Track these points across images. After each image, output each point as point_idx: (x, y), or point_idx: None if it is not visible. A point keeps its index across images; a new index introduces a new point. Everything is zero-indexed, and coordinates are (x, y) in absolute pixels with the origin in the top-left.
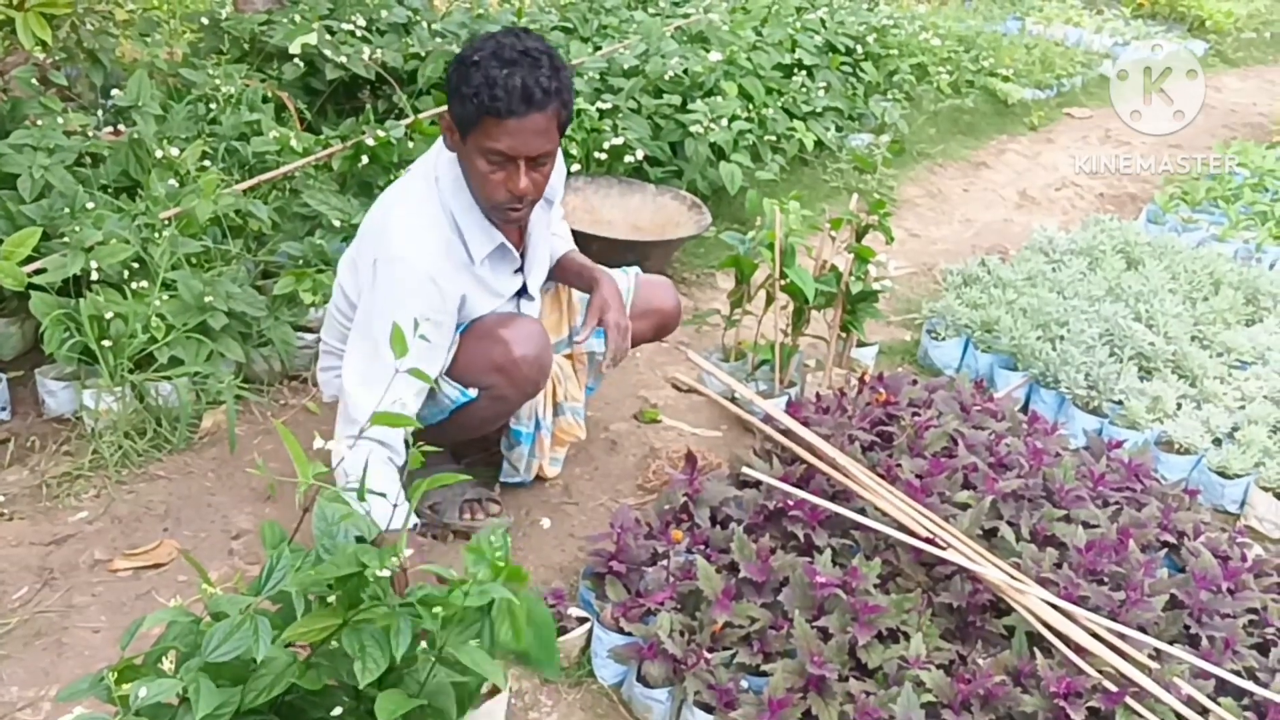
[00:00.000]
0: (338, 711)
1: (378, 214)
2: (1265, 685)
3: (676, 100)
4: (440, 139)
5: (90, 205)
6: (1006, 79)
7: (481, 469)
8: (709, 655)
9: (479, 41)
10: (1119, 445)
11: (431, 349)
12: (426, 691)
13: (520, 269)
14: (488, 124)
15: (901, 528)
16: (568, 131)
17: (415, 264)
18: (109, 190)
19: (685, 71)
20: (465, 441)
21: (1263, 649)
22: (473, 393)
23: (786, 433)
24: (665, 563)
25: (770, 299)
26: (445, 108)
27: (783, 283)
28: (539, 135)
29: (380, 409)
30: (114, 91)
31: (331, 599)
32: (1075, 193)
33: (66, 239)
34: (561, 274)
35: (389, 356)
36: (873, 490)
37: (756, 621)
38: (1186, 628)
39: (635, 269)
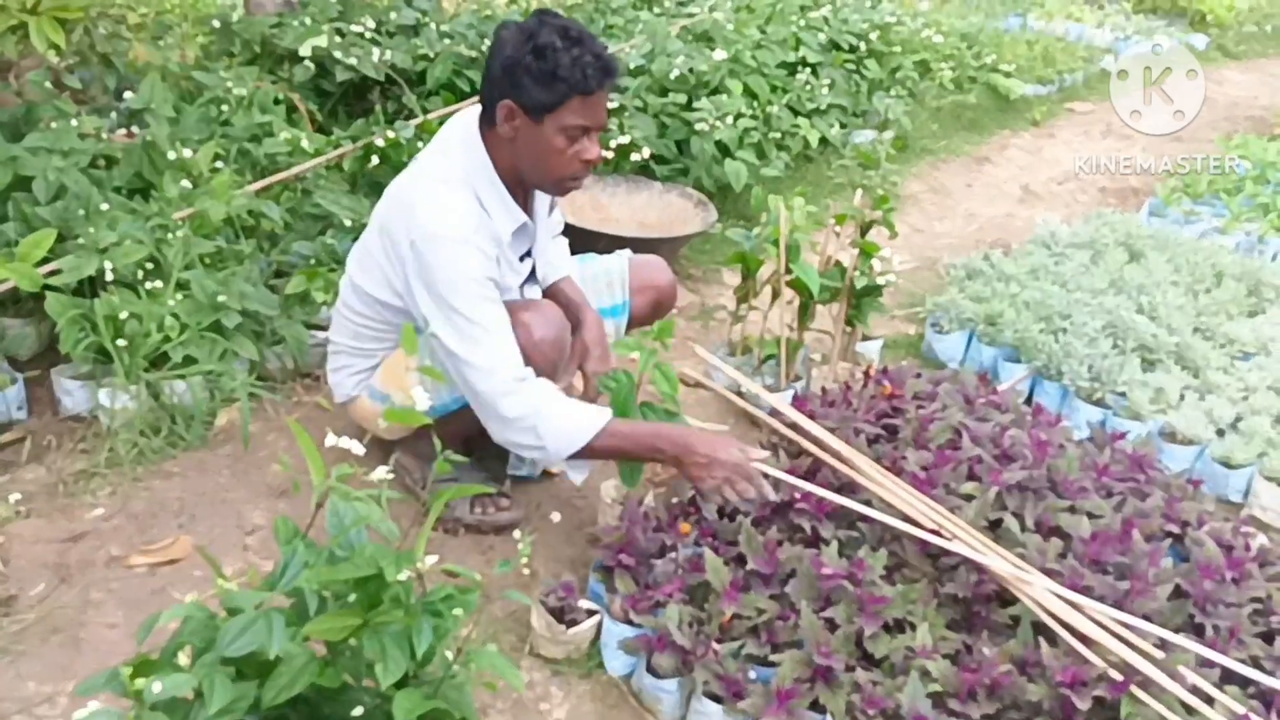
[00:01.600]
0: (358, 711)
1: (394, 204)
2: (1271, 674)
3: (682, 99)
4: (445, 133)
5: (105, 207)
6: (1008, 75)
7: (491, 462)
8: (717, 646)
9: (532, 29)
10: (1122, 436)
11: (501, 310)
12: (444, 692)
13: (529, 252)
14: (575, 102)
15: (907, 519)
16: None
17: (455, 235)
18: (123, 192)
19: (691, 70)
20: (475, 434)
21: (1268, 638)
22: None
23: (793, 426)
24: (674, 555)
25: (776, 294)
26: (463, 100)
27: (788, 278)
28: (606, 104)
29: (509, 368)
30: (127, 94)
31: (351, 598)
32: (1077, 186)
33: (81, 240)
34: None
35: (474, 314)
36: (878, 483)
37: (764, 613)
38: (1191, 617)
39: (627, 251)
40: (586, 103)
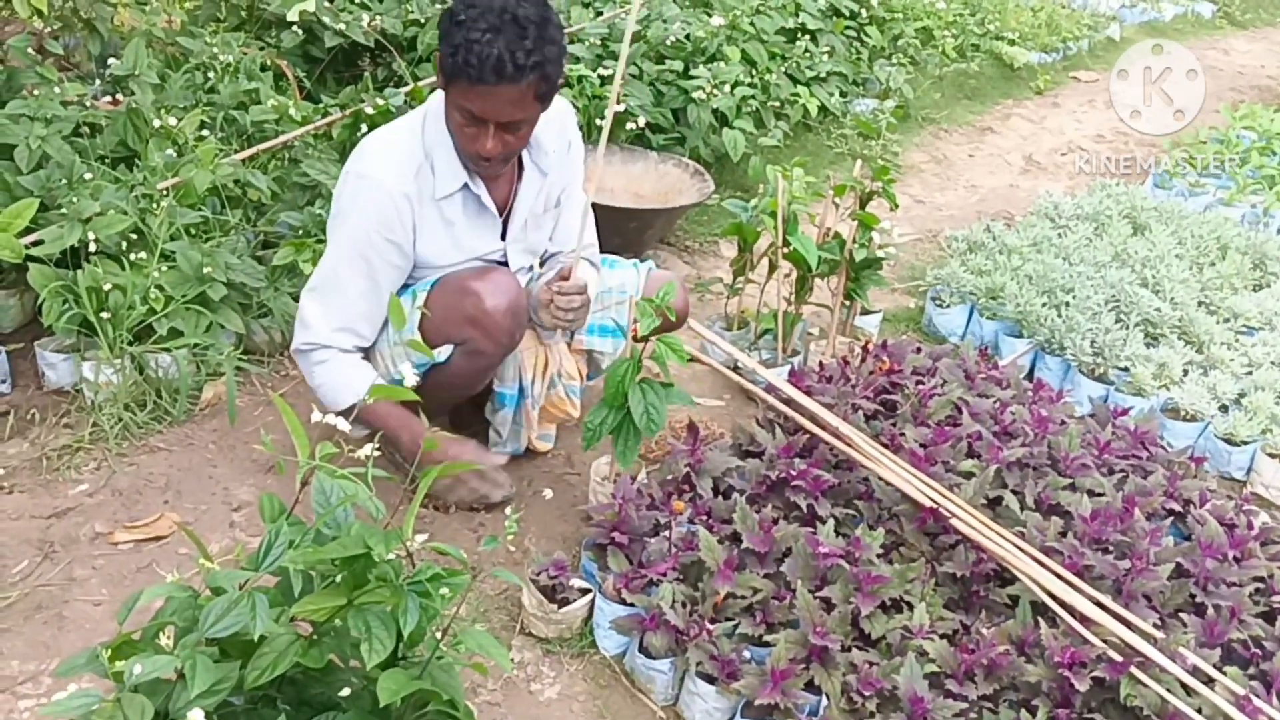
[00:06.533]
0: (345, 692)
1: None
2: (1272, 654)
3: (679, 66)
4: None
5: (88, 176)
6: (1012, 42)
7: (484, 438)
8: (711, 626)
9: None
10: (1125, 412)
11: (376, 282)
12: (431, 672)
13: (503, 237)
14: (461, 85)
15: (905, 497)
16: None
17: (381, 180)
18: (107, 160)
19: (687, 37)
20: (460, 409)
21: (1269, 617)
22: (442, 355)
23: (789, 402)
24: (667, 533)
25: (773, 267)
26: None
27: (786, 250)
28: (511, 104)
29: (329, 321)
30: (111, 60)
31: (337, 578)
32: (1081, 157)
33: (64, 210)
34: None
35: (343, 271)
36: (876, 460)
37: (759, 592)
38: (1192, 596)
39: (649, 264)
40: (473, 91)
